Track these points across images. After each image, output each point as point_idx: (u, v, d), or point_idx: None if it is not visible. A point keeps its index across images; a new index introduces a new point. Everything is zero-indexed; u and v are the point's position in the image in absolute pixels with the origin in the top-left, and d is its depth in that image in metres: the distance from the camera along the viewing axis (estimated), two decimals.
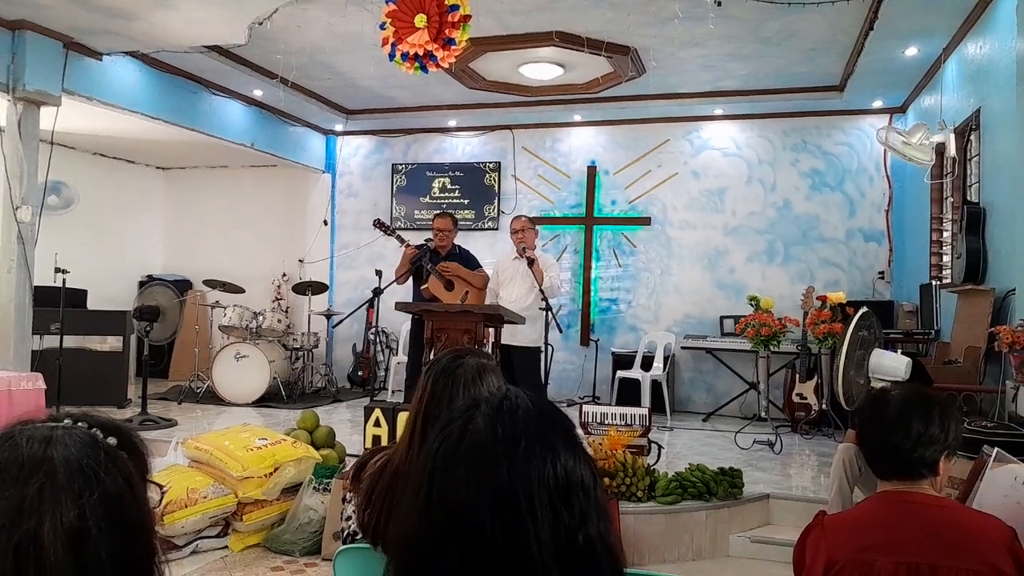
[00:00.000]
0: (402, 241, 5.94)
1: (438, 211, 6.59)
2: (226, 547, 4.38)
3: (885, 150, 6.79)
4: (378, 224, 6.03)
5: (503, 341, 5.62)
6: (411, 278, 5.96)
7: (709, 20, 5.48)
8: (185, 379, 8.41)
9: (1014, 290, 4.45)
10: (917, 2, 5.07)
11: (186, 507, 4.21)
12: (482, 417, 0.85)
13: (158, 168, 10.10)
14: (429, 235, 6.10)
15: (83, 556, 0.79)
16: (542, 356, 5.80)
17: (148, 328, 6.33)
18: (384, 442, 4.76)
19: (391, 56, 4.51)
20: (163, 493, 0.98)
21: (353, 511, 1.89)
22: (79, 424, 0.88)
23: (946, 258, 6.33)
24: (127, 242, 9.61)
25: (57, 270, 6.09)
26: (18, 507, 0.79)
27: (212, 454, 4.54)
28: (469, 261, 6.11)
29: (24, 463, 0.82)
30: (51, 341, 6.49)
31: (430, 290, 5.75)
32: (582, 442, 0.86)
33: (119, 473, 0.85)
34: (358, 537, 1.83)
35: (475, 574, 0.78)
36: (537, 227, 5.93)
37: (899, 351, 4.60)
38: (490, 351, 5.47)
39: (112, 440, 0.89)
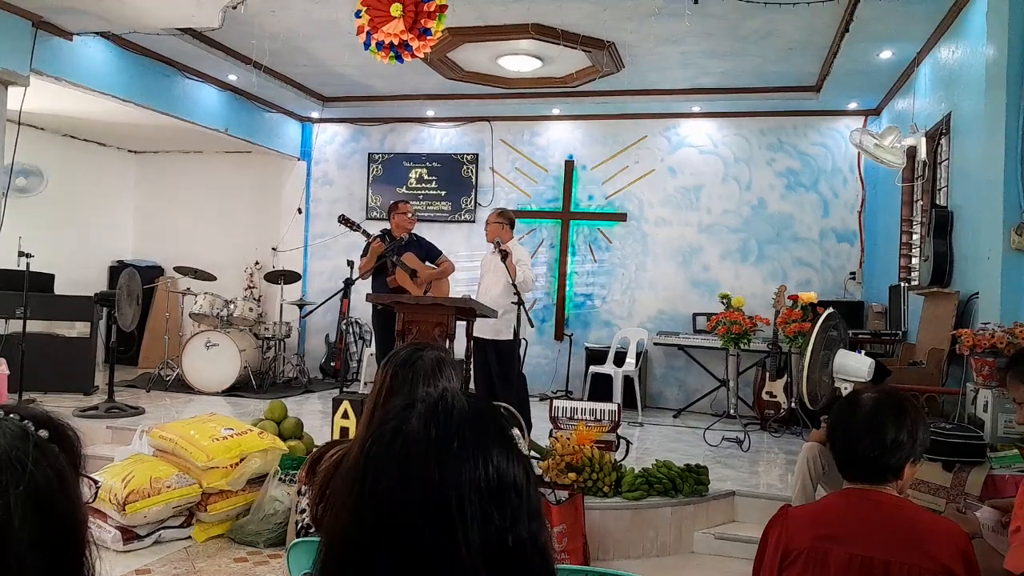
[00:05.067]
0: (368, 236, 5.89)
1: (400, 200, 6.50)
2: (190, 538, 4.35)
3: (859, 152, 6.85)
4: (343, 220, 5.93)
5: (475, 334, 5.62)
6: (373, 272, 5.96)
7: (686, 17, 5.48)
8: (154, 367, 8.30)
9: (977, 294, 4.51)
10: (892, 5, 5.11)
11: (149, 496, 4.17)
12: (416, 417, 0.84)
13: (130, 152, 9.94)
14: (386, 226, 6.07)
15: (2, 547, 0.78)
16: (518, 349, 5.82)
17: (113, 314, 6.22)
18: (352, 434, 4.73)
19: (366, 45, 4.47)
20: (97, 488, 0.99)
21: (308, 504, 1.88)
22: (10, 416, 0.87)
23: (915, 260, 6.40)
24: (97, 226, 9.45)
25: (21, 254, 5.98)
26: None
27: (177, 443, 4.49)
28: (430, 251, 6.09)
29: None
30: (17, 326, 6.37)
31: (396, 280, 5.72)
32: (518, 443, 0.86)
33: (49, 466, 0.85)
34: (311, 531, 1.82)
35: (403, 574, 0.77)
36: (503, 220, 5.90)
37: (865, 352, 4.65)
38: (465, 344, 5.46)
39: (43, 433, 0.88)
